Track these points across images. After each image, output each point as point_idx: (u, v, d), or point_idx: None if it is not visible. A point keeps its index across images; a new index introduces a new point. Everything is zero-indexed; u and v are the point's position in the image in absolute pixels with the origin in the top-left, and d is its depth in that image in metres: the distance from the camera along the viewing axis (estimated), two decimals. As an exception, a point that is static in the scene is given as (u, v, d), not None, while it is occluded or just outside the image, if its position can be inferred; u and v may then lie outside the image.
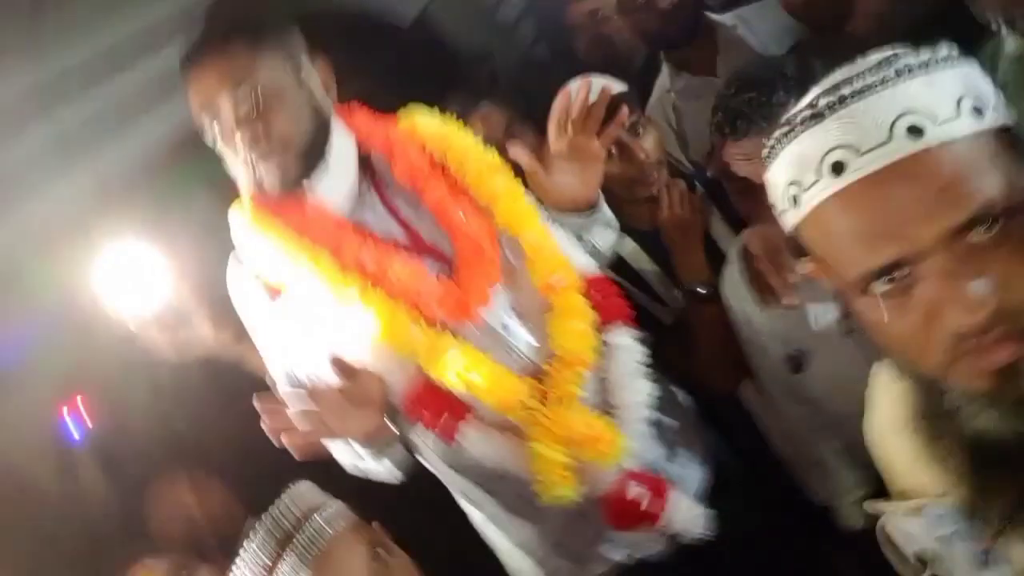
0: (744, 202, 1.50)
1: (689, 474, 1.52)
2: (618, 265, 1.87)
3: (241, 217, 1.43)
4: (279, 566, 1.16)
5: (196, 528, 1.82)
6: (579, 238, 1.53)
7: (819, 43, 1.75)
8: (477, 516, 1.55)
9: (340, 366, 1.31)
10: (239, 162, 1.34)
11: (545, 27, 3.19)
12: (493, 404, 1.35)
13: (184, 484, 1.87)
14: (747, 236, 1.42)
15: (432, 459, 1.48)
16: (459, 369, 1.33)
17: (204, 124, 1.35)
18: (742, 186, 1.42)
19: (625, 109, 1.48)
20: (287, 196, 1.38)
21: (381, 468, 1.45)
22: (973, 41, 1.29)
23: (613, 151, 1.69)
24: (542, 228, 1.44)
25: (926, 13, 1.61)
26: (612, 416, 1.40)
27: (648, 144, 1.73)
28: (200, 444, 2.13)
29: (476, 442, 1.37)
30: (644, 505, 1.38)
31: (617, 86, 1.81)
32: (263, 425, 1.22)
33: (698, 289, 1.67)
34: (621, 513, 1.39)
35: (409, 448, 1.48)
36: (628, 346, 1.45)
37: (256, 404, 1.22)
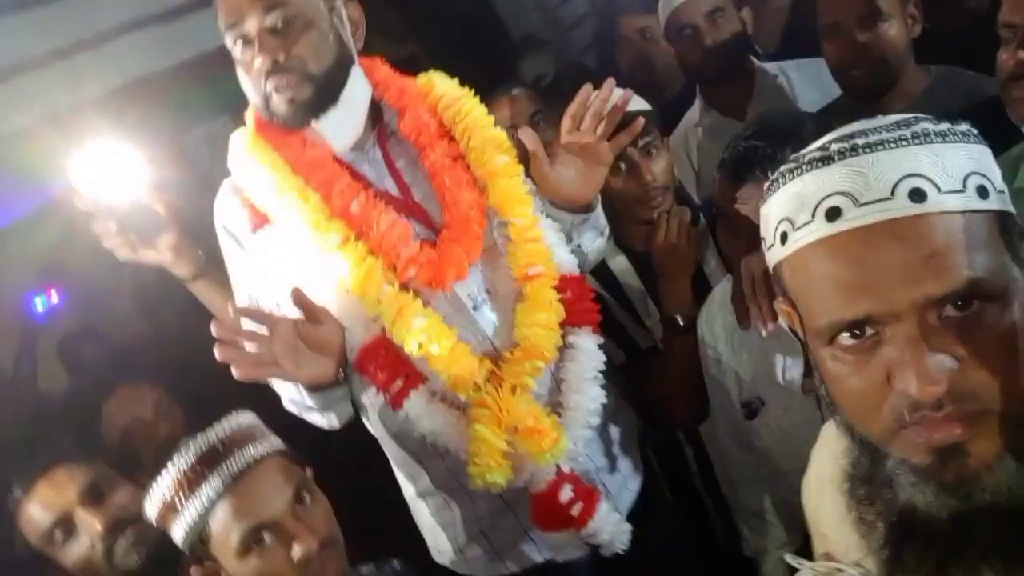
0: (727, 238, 1.51)
1: (623, 489, 1.52)
2: (606, 279, 1.88)
3: (242, 141, 1.42)
4: (202, 486, 1.17)
5: (138, 436, 1.81)
6: (568, 238, 1.52)
7: (846, 109, 1.74)
8: (409, 490, 1.54)
9: (304, 304, 1.29)
10: (253, 82, 1.34)
11: (601, 35, 3.17)
12: (448, 379, 1.34)
13: (140, 390, 1.85)
14: (748, 258, 1.41)
15: (376, 422, 1.48)
16: (422, 338, 1.32)
17: (228, 41, 1.34)
18: (731, 223, 1.43)
19: (641, 121, 1.48)
20: (291, 131, 1.37)
21: (323, 420, 1.44)
22: (1002, 140, 1.30)
23: (622, 167, 1.71)
24: (532, 216, 1.43)
25: (963, 106, 1.61)
26: (560, 416, 1.39)
27: (658, 167, 1.73)
28: (164, 356, 2.12)
29: (422, 413, 1.36)
30: (573, 511, 1.37)
31: (641, 104, 1.82)
32: (216, 351, 1.20)
33: (678, 319, 1.67)
34: (549, 514, 1.38)
35: (355, 406, 1.47)
36: (590, 350, 1.44)
37: (213, 329, 1.20)
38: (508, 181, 1.42)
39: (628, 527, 1.43)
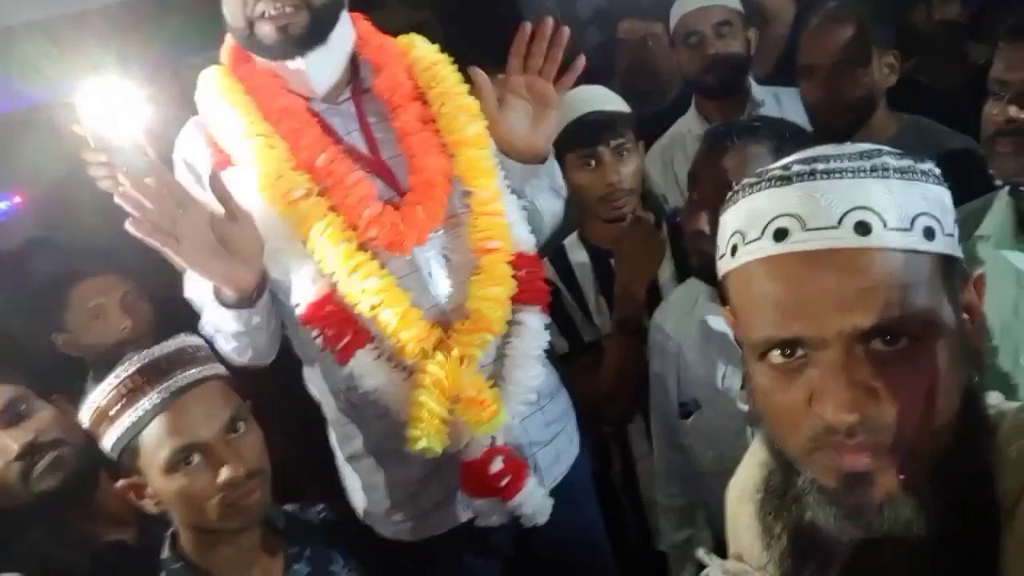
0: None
1: (553, 465, 1.53)
2: (564, 270, 1.90)
3: (212, 79, 1.38)
4: (140, 398, 1.16)
5: (100, 328, 1.79)
6: (520, 193, 1.50)
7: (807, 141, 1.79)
8: (343, 451, 1.52)
9: (223, 196, 1.22)
10: (238, 4, 1.29)
11: (608, 36, 3.16)
12: (396, 342, 1.33)
13: (108, 280, 1.82)
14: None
15: (318, 378, 1.46)
16: (375, 300, 1.31)
17: None
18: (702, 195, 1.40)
19: (582, 60, 1.44)
20: (267, 71, 1.34)
21: (236, 348, 1.37)
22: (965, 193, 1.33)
23: (592, 163, 1.74)
24: (496, 189, 1.42)
25: (939, 154, 1.64)
26: (501, 389, 1.40)
27: (626, 169, 1.75)
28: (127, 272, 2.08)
29: (367, 371, 1.35)
30: (501, 482, 1.38)
31: (619, 106, 1.84)
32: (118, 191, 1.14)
33: (628, 319, 1.68)
34: (477, 482, 1.39)
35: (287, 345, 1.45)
36: (535, 329, 1.44)
37: (120, 176, 1.14)
38: (476, 151, 1.40)
39: (550, 502, 1.45)
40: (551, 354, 1.50)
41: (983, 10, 2.28)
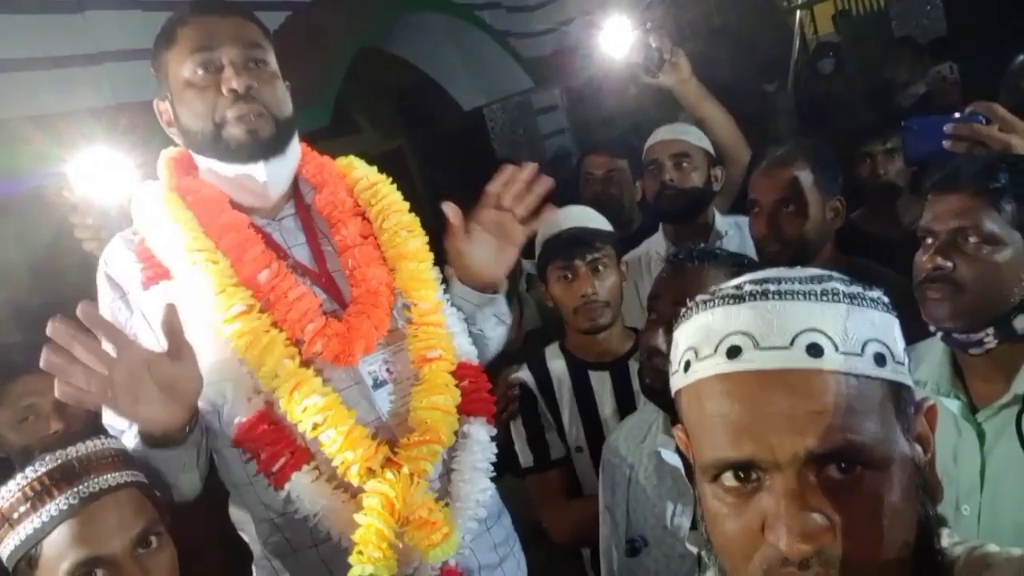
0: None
1: None
2: (542, 378, 1.89)
3: (152, 194, 1.35)
4: (47, 502, 1.05)
5: (29, 429, 1.68)
6: (472, 320, 1.49)
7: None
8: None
9: (172, 332, 1.12)
10: (206, 107, 1.28)
11: (574, 173, 3.28)
12: (341, 463, 1.25)
13: (47, 380, 1.72)
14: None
15: (249, 505, 1.35)
16: (318, 418, 1.23)
17: (186, 67, 1.28)
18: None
19: (551, 208, 1.47)
20: (211, 189, 1.33)
21: (171, 490, 1.27)
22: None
23: (568, 276, 1.80)
24: (436, 300, 1.40)
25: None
26: (450, 507, 1.31)
27: (601, 283, 1.79)
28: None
29: (306, 493, 1.26)
30: None
31: (602, 224, 1.91)
32: (43, 354, 1.03)
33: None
34: None
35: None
36: (482, 441, 1.38)
37: (48, 328, 1.03)
38: (416, 264, 1.40)
39: None
40: (494, 475, 1.42)
41: (923, 168, 2.39)
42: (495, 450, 1.40)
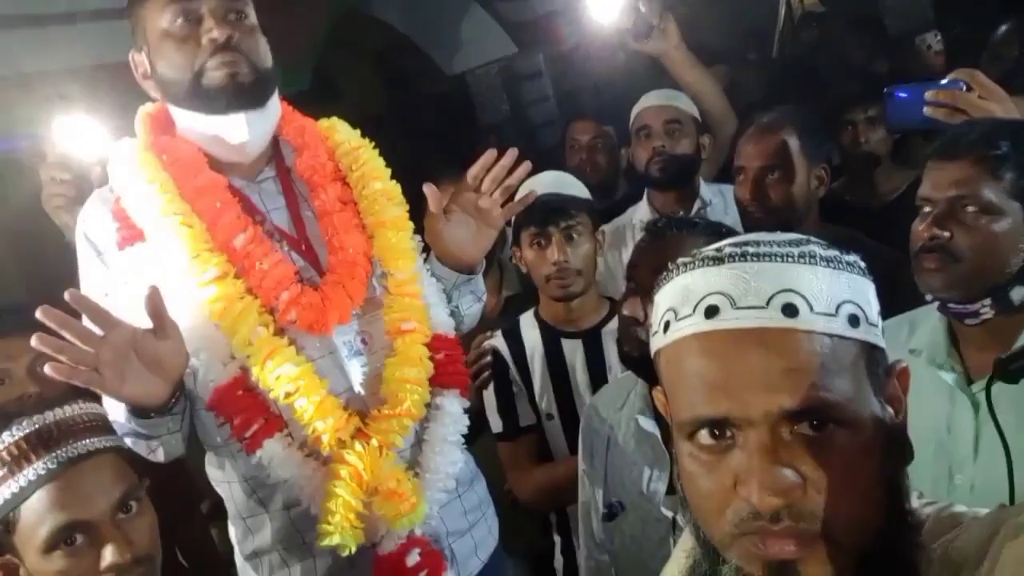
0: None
1: (471, 557, 1.44)
2: (515, 347, 1.89)
3: (129, 153, 1.32)
4: (24, 467, 1.04)
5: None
6: (448, 298, 1.49)
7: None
8: (246, 546, 1.40)
9: (157, 311, 1.13)
10: (186, 57, 1.26)
11: (559, 140, 3.25)
12: (312, 432, 1.25)
13: (16, 343, 1.68)
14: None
15: (223, 466, 1.36)
16: (290, 387, 1.23)
17: (165, 16, 1.26)
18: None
19: (534, 194, 1.49)
20: (196, 143, 1.31)
21: (146, 450, 1.28)
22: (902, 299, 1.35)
23: (541, 243, 1.79)
24: (414, 272, 1.39)
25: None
26: (418, 477, 1.32)
27: (574, 251, 1.79)
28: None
29: (278, 460, 1.26)
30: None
31: (579, 191, 1.90)
32: (33, 337, 1.06)
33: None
34: None
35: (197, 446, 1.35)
36: (455, 414, 1.38)
37: (37, 312, 1.06)
38: (395, 233, 1.39)
39: None
40: (468, 440, 1.43)
41: (905, 137, 2.39)
42: (467, 422, 1.40)
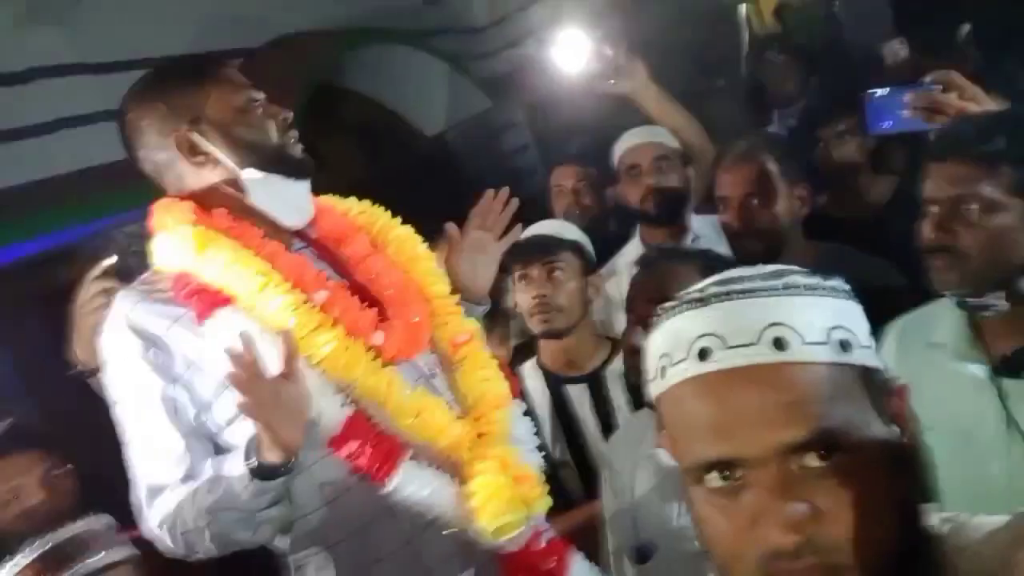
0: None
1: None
2: (522, 400, 1.85)
3: (182, 234, 1.31)
4: None
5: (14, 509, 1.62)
6: None
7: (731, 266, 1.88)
8: None
9: (288, 352, 1.18)
10: (268, 129, 1.36)
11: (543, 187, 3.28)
12: (446, 444, 1.29)
13: (28, 459, 1.66)
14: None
15: (314, 526, 1.31)
16: (417, 408, 1.27)
17: (232, 98, 1.35)
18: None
19: (518, 228, 1.58)
20: (246, 221, 1.35)
21: (249, 533, 1.25)
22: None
23: (524, 282, 1.85)
24: (449, 292, 1.47)
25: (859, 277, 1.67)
26: None
27: (557, 288, 1.82)
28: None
29: (414, 480, 1.26)
30: (549, 564, 1.30)
31: (571, 234, 1.94)
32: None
33: None
34: (528, 570, 1.29)
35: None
36: (519, 415, 1.42)
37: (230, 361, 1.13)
38: (427, 263, 1.48)
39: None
40: None
41: (881, 145, 2.41)
42: (530, 422, 1.44)
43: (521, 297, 1.88)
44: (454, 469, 1.29)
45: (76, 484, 1.71)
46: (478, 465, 1.28)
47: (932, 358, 1.29)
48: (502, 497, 1.25)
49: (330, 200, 1.53)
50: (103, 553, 1.06)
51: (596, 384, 1.84)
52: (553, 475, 1.81)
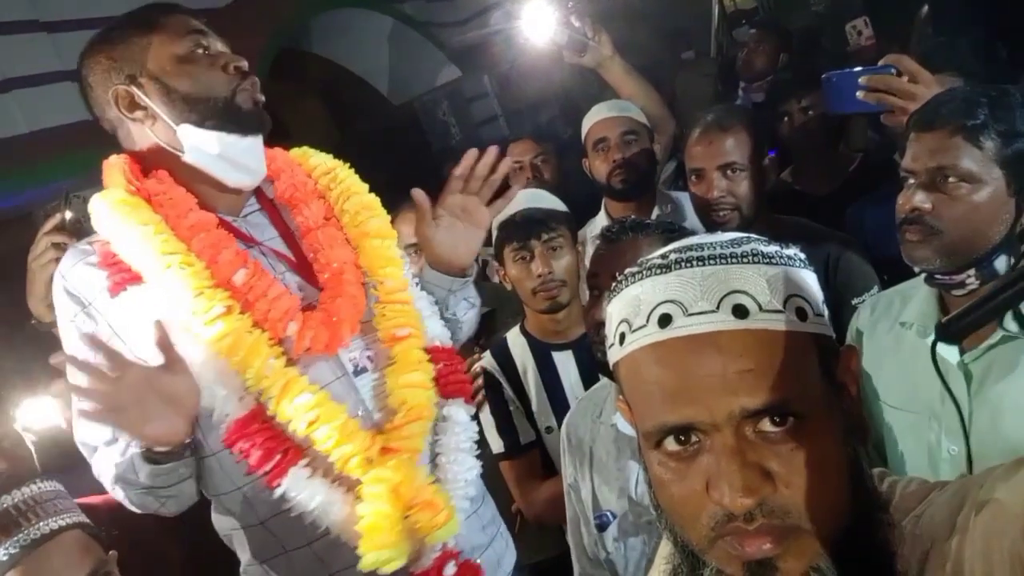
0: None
1: (495, 570, 1.42)
2: (506, 364, 1.88)
3: (112, 200, 1.28)
4: None
5: None
6: (445, 306, 1.49)
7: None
8: None
9: (165, 348, 1.14)
10: (219, 78, 1.27)
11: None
12: (339, 458, 1.23)
13: None
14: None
15: (237, 508, 1.31)
16: (310, 416, 1.21)
17: (173, 47, 1.27)
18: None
19: (515, 189, 1.53)
20: (177, 186, 1.29)
21: (157, 504, 1.25)
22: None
23: (525, 257, 1.80)
24: (403, 279, 1.39)
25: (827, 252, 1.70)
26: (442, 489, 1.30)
27: (558, 263, 1.80)
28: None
29: (302, 490, 1.22)
30: None
31: (557, 205, 1.90)
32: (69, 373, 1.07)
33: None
34: None
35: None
36: (463, 422, 1.38)
37: (52, 359, 1.08)
38: (380, 242, 1.39)
39: None
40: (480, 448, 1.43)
41: (845, 122, 2.42)
42: (476, 429, 1.41)
43: (520, 274, 1.82)
44: (350, 484, 1.25)
45: (31, 452, 1.68)
46: (367, 489, 1.22)
47: (901, 336, 1.30)
48: (383, 529, 1.20)
49: (302, 154, 1.46)
50: (51, 519, 1.03)
51: (582, 349, 1.84)
52: (538, 440, 1.84)
